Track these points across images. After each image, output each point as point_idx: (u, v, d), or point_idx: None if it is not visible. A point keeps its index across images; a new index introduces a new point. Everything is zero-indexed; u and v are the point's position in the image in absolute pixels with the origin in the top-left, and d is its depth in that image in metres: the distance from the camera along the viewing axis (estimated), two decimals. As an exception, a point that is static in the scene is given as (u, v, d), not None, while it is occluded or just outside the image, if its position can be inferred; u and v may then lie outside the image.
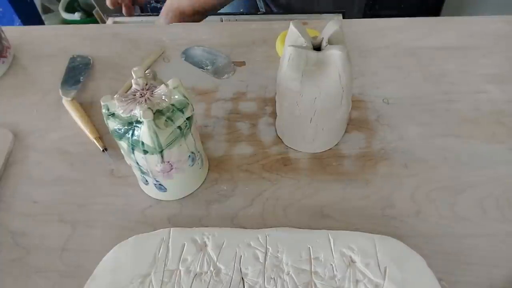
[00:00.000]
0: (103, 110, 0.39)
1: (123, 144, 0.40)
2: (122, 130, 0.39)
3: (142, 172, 0.43)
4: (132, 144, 0.39)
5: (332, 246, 0.40)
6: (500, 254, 0.42)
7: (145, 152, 0.39)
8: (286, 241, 0.41)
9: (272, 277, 0.39)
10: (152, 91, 0.39)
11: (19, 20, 1.31)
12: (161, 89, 0.39)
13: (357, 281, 0.38)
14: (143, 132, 0.38)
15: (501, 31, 0.64)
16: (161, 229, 0.42)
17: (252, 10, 0.95)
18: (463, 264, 0.41)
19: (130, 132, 0.39)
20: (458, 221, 0.44)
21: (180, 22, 0.76)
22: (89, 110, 0.56)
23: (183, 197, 0.47)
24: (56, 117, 0.56)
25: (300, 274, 0.39)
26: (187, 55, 0.63)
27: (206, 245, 0.41)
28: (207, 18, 0.80)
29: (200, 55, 0.63)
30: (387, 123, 0.53)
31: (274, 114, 0.54)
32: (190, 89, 0.59)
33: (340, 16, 0.75)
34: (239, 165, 0.50)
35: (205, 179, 0.49)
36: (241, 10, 0.96)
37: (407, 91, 0.57)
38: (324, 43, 0.43)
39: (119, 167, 0.50)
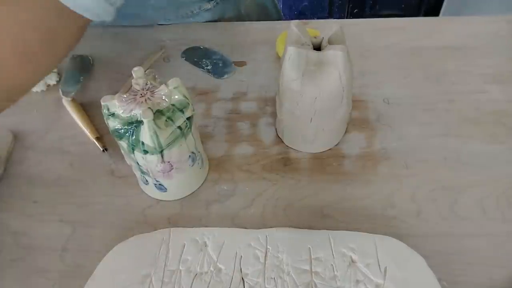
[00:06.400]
0: (103, 110, 0.39)
1: (123, 144, 0.40)
2: (122, 130, 0.39)
3: (142, 172, 0.44)
4: (132, 144, 0.39)
5: (332, 246, 0.40)
6: (500, 254, 0.42)
7: (145, 152, 0.39)
8: (286, 241, 0.41)
9: (273, 277, 0.39)
10: (152, 91, 0.39)
11: (19, 20, 1.31)
12: (161, 89, 0.39)
13: (357, 281, 0.38)
14: (143, 132, 0.38)
15: (501, 31, 0.64)
16: (161, 229, 0.43)
17: None
18: (463, 264, 0.41)
19: (130, 132, 0.39)
20: (458, 221, 0.44)
21: None
22: (89, 110, 0.56)
23: (183, 197, 0.47)
24: (56, 117, 0.56)
25: (301, 274, 0.39)
26: (187, 55, 0.63)
27: (206, 245, 0.41)
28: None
29: (200, 55, 0.63)
30: (387, 123, 0.53)
31: (274, 114, 0.54)
32: (190, 89, 0.58)
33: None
34: (239, 165, 0.50)
35: (205, 179, 0.49)
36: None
37: (408, 91, 0.57)
38: (324, 43, 0.43)
39: (119, 167, 0.50)
